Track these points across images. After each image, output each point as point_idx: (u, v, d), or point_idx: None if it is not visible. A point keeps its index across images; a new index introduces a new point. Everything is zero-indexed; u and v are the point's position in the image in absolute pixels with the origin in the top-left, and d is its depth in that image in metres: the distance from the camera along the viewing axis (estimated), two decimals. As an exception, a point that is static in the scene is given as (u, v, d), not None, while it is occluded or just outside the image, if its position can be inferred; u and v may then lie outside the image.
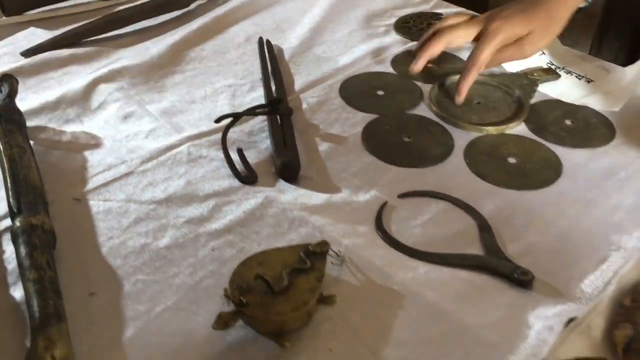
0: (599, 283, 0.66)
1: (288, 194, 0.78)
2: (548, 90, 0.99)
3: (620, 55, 1.22)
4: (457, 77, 1.00)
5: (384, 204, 0.76)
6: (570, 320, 0.62)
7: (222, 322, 0.58)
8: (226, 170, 0.81)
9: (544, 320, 0.61)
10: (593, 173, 0.83)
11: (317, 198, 0.77)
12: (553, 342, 0.59)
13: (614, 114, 0.93)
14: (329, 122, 0.92)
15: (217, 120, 0.86)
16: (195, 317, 0.62)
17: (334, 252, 0.67)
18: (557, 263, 0.69)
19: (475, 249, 0.71)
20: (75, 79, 1.00)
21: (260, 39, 1.11)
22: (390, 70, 1.05)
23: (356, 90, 0.99)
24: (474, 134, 0.90)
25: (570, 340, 0.60)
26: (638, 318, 0.61)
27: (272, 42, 1.10)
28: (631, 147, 0.87)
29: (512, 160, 0.85)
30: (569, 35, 1.99)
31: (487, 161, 0.85)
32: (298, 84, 1.00)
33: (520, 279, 0.66)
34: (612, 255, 0.70)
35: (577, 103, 0.96)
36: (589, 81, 1.01)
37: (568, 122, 0.92)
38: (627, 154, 0.86)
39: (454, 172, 0.83)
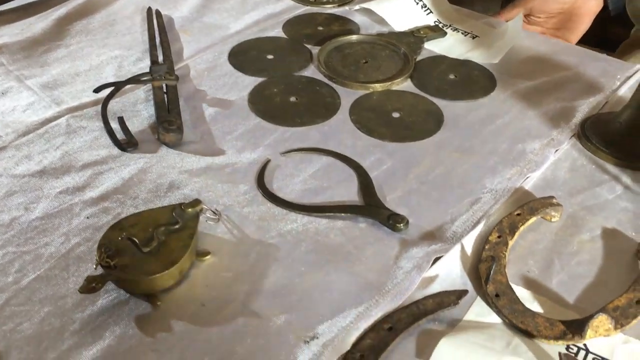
0: (469, 223, 0.69)
1: (169, 159, 0.77)
2: (434, 47, 1.01)
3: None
4: (345, 37, 1.01)
5: (267, 162, 0.77)
6: (438, 258, 0.64)
7: (88, 285, 0.57)
8: (106, 139, 0.79)
9: (414, 260, 0.63)
10: (472, 122, 0.85)
11: (200, 162, 0.77)
12: (420, 279, 0.61)
13: (495, 66, 0.96)
14: (217, 87, 0.91)
15: (97, 90, 0.84)
16: (66, 284, 0.61)
17: (210, 210, 0.67)
18: (432, 208, 0.71)
19: (354, 200, 0.72)
20: (-49, 58, 0.96)
21: (149, 8, 1.08)
22: (282, 35, 1.04)
23: (246, 55, 0.99)
24: (361, 92, 0.91)
25: (439, 278, 0.62)
26: (502, 252, 0.64)
27: (163, 12, 1.08)
28: (509, 96, 0.90)
29: (396, 114, 0.87)
30: (479, 1, 2.04)
31: (372, 117, 0.86)
32: (187, 51, 0.99)
33: (395, 224, 0.68)
34: (484, 197, 0.72)
35: (461, 58, 0.99)
36: (474, 37, 1.04)
37: (452, 76, 0.95)
38: (505, 103, 0.89)
39: (339, 129, 0.84)
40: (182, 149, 0.79)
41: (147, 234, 0.61)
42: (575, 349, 0.56)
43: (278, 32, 1.05)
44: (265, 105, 0.88)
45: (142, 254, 0.59)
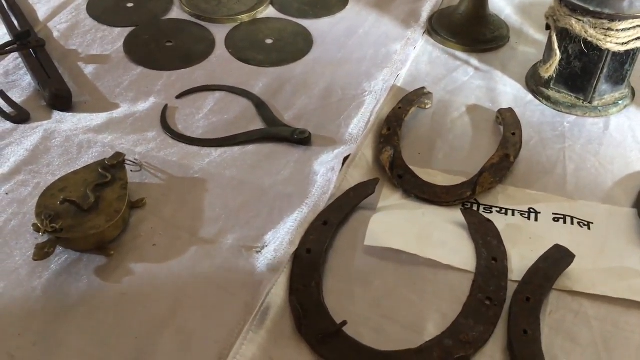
0: (361, 124, 0.79)
1: (68, 122, 0.77)
2: (285, -29, 1.07)
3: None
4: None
5: (165, 107, 0.80)
6: (346, 158, 0.73)
7: (41, 251, 0.59)
8: (-7, 116, 0.78)
9: (326, 165, 0.72)
10: (338, 36, 0.94)
11: (98, 118, 0.78)
12: (336, 178, 0.70)
13: (344, -19, 1.04)
14: (87, 44, 0.91)
15: (-36, 68, 0.81)
16: (12, 258, 0.62)
17: (130, 160, 0.71)
18: (326, 118, 0.80)
19: (256, 124, 0.79)
20: None
21: (-17, -26, 1.02)
22: (134, -20, 1.04)
23: (104, 6, 0.98)
24: (230, 25, 0.95)
25: (350, 174, 0.72)
26: (395, 141, 0.75)
27: (-3, -24, 1.02)
28: (363, 7, 1.00)
29: (269, 41, 0.93)
30: None
31: (247, 47, 0.92)
32: (41, 13, 0.96)
33: (299, 138, 0.76)
34: (366, 99, 0.82)
35: (311, -22, 1.05)
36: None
37: (308, -4, 1.02)
38: (360, 14, 0.99)
39: (220, 64, 0.89)
40: (75, 111, 0.79)
41: (81, 194, 0.64)
42: (469, 204, 0.69)
43: (129, -22, 1.04)
44: (142, 53, 0.89)
45: (83, 212, 0.62)
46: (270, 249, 0.63)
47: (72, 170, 0.69)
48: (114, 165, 0.67)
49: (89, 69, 0.86)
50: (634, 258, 0.63)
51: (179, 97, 0.82)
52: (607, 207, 0.69)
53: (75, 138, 0.75)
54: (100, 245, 0.62)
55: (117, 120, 0.78)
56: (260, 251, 0.63)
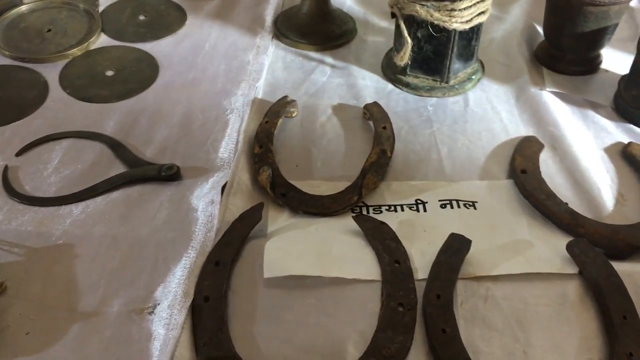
0: (231, 146, 0.74)
1: None
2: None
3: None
4: (13, 11, 0.92)
5: (5, 169, 0.70)
6: (224, 186, 0.68)
7: None
8: None
9: (204, 198, 0.67)
10: (184, 55, 0.88)
11: None
12: (218, 211, 0.65)
13: (179, -4, 0.98)
14: None
15: None
16: None
17: (-28, 241, 0.61)
18: (192, 146, 0.75)
19: (117, 168, 0.72)
20: None
21: None
22: None
23: None
24: (62, 63, 0.86)
25: (232, 203, 0.67)
26: (270, 159, 0.71)
27: None
28: (203, 20, 0.95)
29: (109, 72, 0.85)
30: None
31: (87, 83, 0.83)
32: None
33: (168, 174, 0.70)
34: (230, 118, 0.78)
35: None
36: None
37: (142, 17, 0.95)
38: (203, 28, 0.93)
39: (60, 108, 0.80)
40: None
41: None
42: (359, 208, 0.68)
43: None
44: (-36, 111, 0.78)
45: None
46: (163, 307, 0.57)
47: None
48: (-42, 253, 0.58)
49: None
50: (521, 228, 0.65)
51: (19, 154, 0.73)
52: (485, 183, 0.71)
53: None
54: (-39, 351, 0.53)
55: (-51, 197, 0.67)
56: (152, 311, 0.57)
